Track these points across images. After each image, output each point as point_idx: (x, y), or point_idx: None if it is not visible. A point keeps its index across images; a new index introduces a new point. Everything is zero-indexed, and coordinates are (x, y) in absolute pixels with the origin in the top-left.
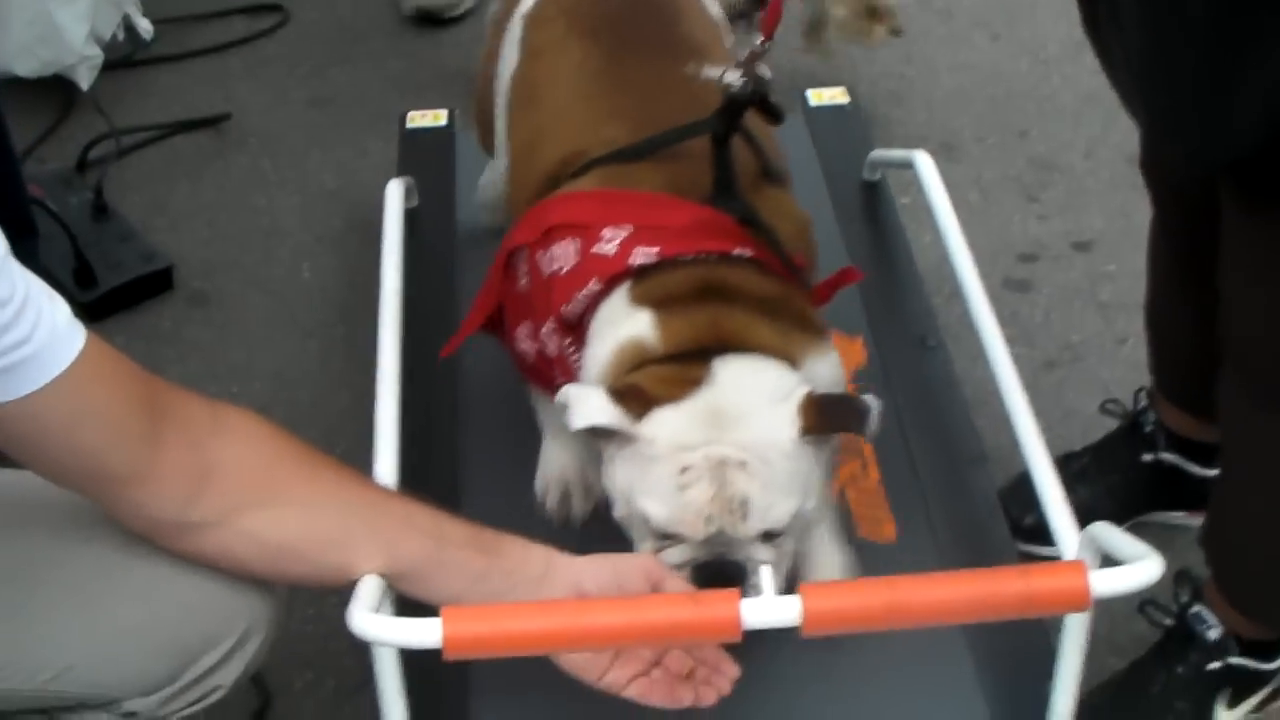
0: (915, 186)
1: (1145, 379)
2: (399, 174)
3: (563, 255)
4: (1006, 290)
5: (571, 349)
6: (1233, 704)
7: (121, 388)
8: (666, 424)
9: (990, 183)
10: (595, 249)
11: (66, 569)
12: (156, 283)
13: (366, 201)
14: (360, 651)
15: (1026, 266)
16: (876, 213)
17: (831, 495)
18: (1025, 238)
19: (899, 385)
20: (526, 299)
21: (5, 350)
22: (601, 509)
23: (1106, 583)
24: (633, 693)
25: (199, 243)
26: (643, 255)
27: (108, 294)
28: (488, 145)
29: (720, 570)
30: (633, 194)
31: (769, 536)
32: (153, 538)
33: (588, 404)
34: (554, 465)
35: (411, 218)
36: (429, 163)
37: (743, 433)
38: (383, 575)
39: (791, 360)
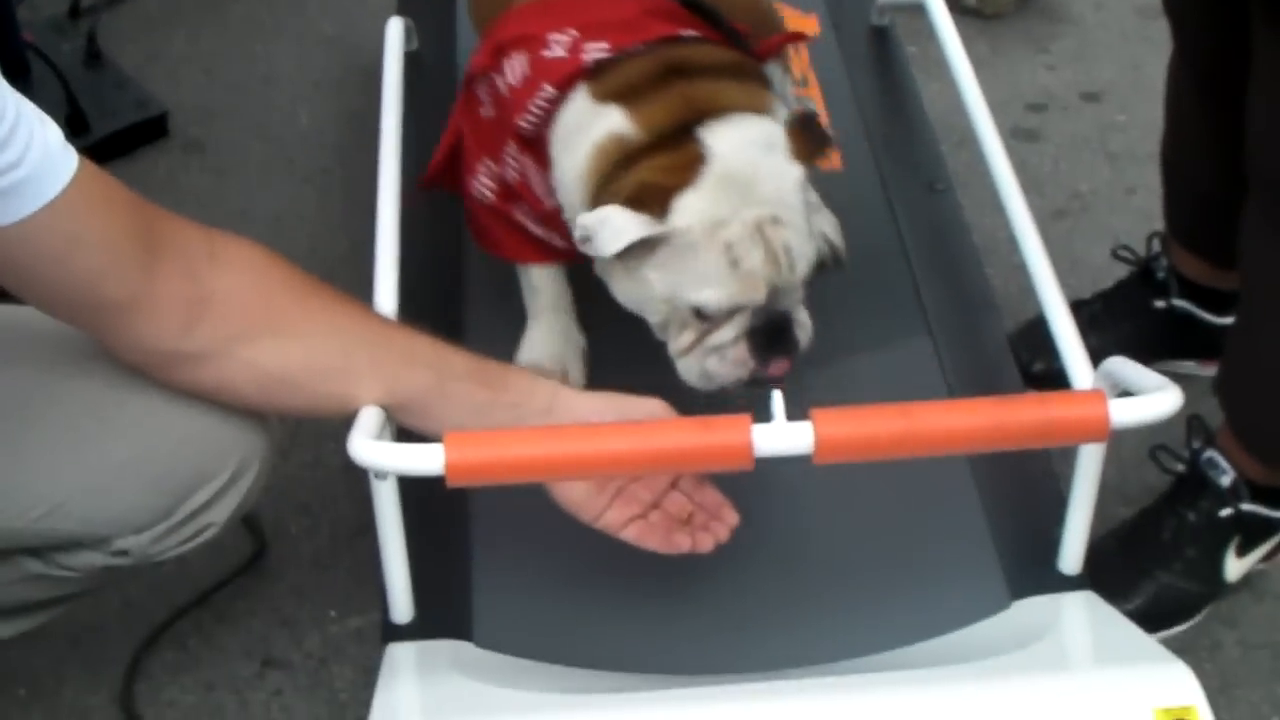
0: (923, 35)
1: (1154, 229)
2: (397, 14)
3: (511, 70)
4: (1015, 140)
5: (535, 167)
6: (1242, 552)
7: (117, 213)
8: (692, 209)
9: (999, 33)
10: (545, 53)
11: (59, 404)
12: (151, 130)
13: (364, 48)
14: (357, 497)
15: (1035, 116)
16: (885, 58)
17: None
18: (1034, 87)
19: (908, 229)
20: (491, 127)
21: None
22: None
23: (1126, 412)
24: (629, 534)
25: (195, 90)
26: (594, 51)
27: (102, 141)
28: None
29: (775, 326)
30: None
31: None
32: (148, 370)
33: (613, 225)
34: (539, 348)
35: (411, 61)
36: (428, 5)
37: (762, 189)
38: (383, 406)
39: (758, 109)
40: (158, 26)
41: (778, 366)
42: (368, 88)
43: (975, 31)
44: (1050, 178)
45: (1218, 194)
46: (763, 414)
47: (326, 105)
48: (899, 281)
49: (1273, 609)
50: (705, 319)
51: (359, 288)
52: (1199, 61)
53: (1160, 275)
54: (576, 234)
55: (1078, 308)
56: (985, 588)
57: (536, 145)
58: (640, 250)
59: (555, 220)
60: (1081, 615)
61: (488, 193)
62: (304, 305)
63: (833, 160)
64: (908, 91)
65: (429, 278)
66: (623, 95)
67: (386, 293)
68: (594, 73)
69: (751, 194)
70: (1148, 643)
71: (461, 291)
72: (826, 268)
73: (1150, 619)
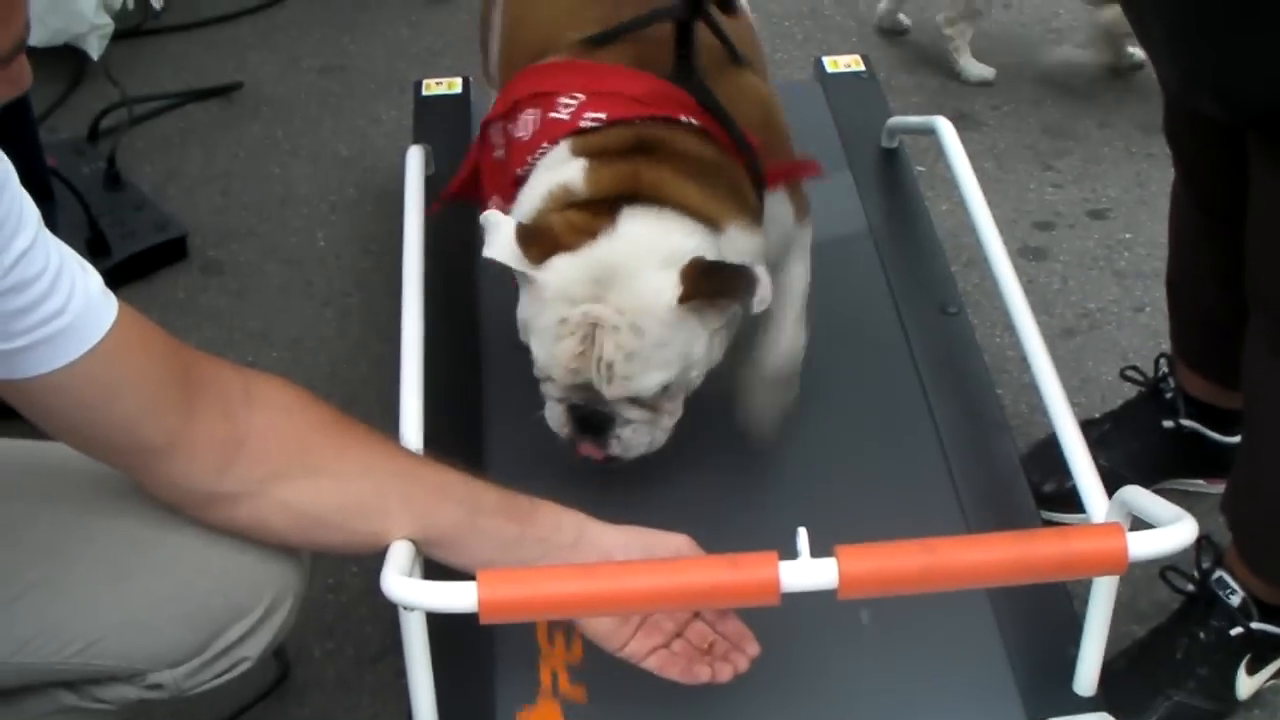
0: (931, 154)
1: (1163, 346)
2: (415, 142)
3: (524, 124)
4: (1023, 258)
5: None
6: (1253, 669)
7: (155, 358)
8: (559, 272)
9: (1005, 151)
10: (552, 114)
11: (96, 542)
12: (170, 251)
13: (380, 169)
14: (381, 620)
15: (1043, 234)
16: (895, 179)
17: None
18: (1041, 206)
19: (920, 351)
20: (501, 169)
21: (42, 321)
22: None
23: (1143, 545)
24: (652, 664)
25: (213, 211)
26: (591, 119)
27: (122, 263)
28: (488, 71)
29: (587, 416)
30: (593, 64)
31: (637, 400)
32: (184, 508)
33: (498, 235)
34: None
35: (428, 185)
36: (445, 130)
37: (625, 295)
38: (415, 541)
39: (711, 222)
40: (174, 146)
41: (586, 449)
42: (383, 209)
43: (983, 150)
44: (1059, 296)
45: (1222, 317)
46: (788, 549)
47: (343, 227)
48: (912, 403)
49: None
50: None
51: (379, 410)
52: (1200, 188)
53: (1168, 395)
54: (481, 221)
55: (1087, 426)
56: (1001, 709)
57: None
58: (523, 276)
59: None
60: None
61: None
62: (337, 444)
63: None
64: (918, 213)
65: (451, 404)
66: (593, 153)
67: (412, 423)
68: (583, 133)
69: (611, 292)
70: None
71: (482, 415)
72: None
73: None
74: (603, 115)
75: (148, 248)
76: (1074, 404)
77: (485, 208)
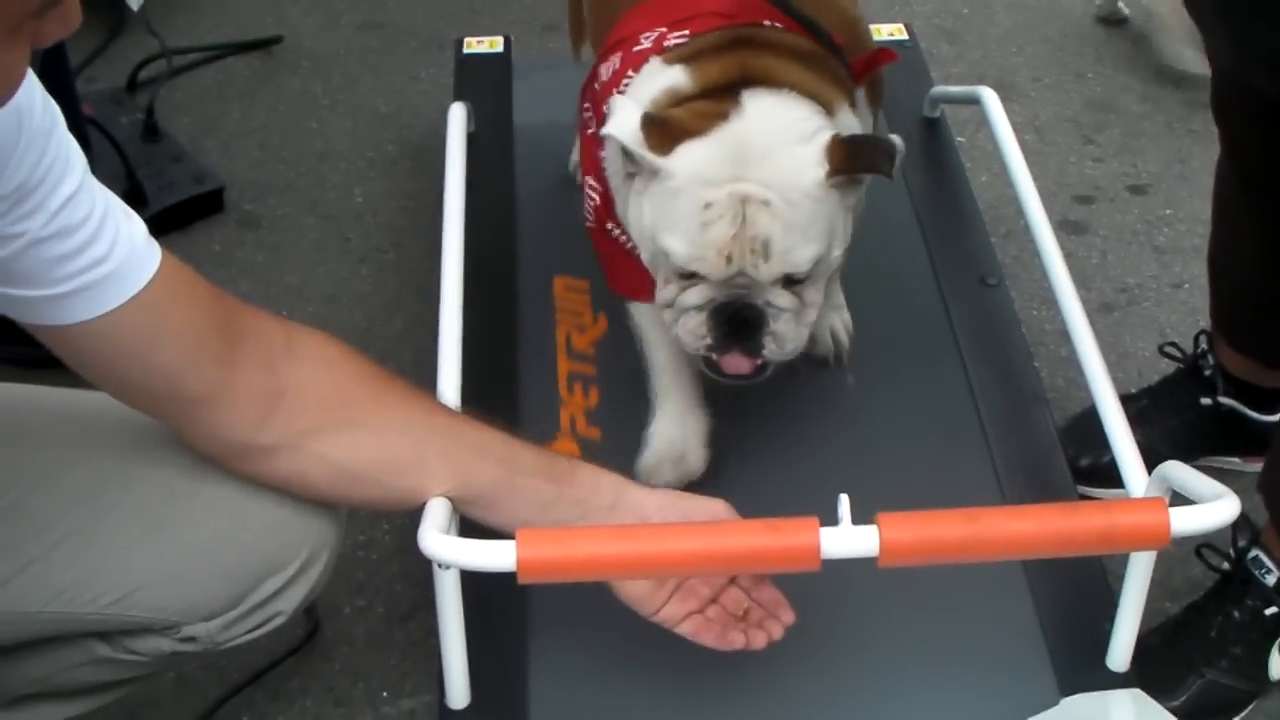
0: (971, 125)
1: (1201, 323)
2: (455, 99)
3: (607, 69)
4: (1062, 232)
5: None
6: None
7: (198, 308)
8: (690, 157)
9: (1046, 123)
10: (635, 49)
11: (133, 491)
12: (207, 204)
13: (418, 126)
14: (411, 578)
15: (1083, 208)
16: (936, 150)
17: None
18: (1081, 179)
19: (960, 323)
20: (592, 144)
21: (87, 267)
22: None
23: (1186, 521)
24: (686, 629)
25: (250, 165)
26: (674, 38)
27: (158, 215)
28: (577, 38)
29: (738, 313)
30: (669, 1)
31: (790, 281)
32: (224, 460)
33: (624, 117)
34: (665, 440)
35: (468, 143)
36: (486, 88)
37: (768, 170)
38: (451, 499)
39: (823, 105)
40: (213, 99)
41: (734, 363)
42: (421, 166)
43: (1024, 122)
44: (1097, 271)
45: (1265, 295)
46: (826, 517)
47: (381, 183)
48: (951, 373)
49: None
50: (680, 276)
51: (413, 367)
52: (1247, 164)
53: (1207, 372)
54: (604, 109)
55: (1125, 402)
56: (1035, 683)
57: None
58: (643, 176)
59: None
60: (1131, 714)
61: (590, 206)
62: (377, 399)
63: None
64: (959, 184)
65: (488, 363)
66: (687, 59)
67: (450, 381)
68: (669, 49)
69: (754, 169)
70: None
71: (518, 374)
72: (829, 364)
73: (1195, 716)
74: (686, 33)
75: (184, 200)
76: (1111, 379)
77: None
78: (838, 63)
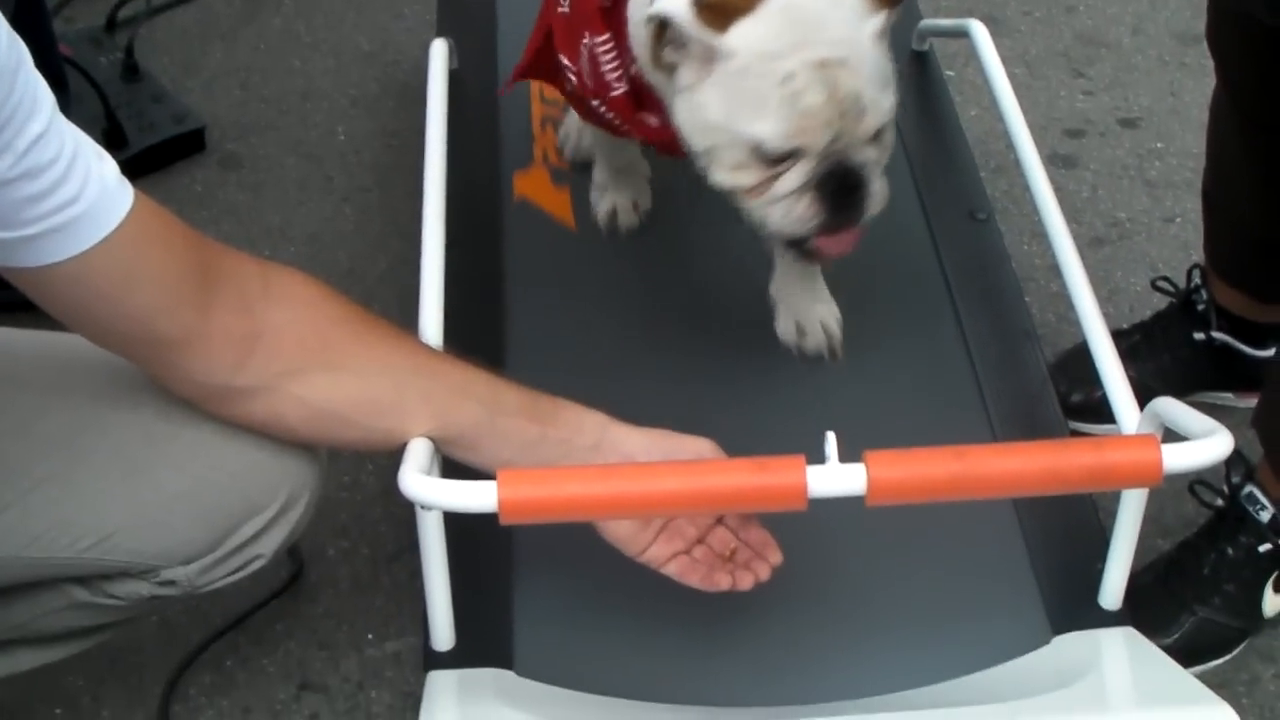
0: (960, 59)
1: (1193, 258)
2: (438, 35)
3: None
4: (1053, 166)
5: (607, 46)
6: None
7: (173, 249)
8: (750, 34)
9: (1036, 57)
10: None
11: (110, 435)
12: (188, 144)
13: (402, 64)
14: (396, 520)
15: (1073, 142)
16: (925, 83)
17: None
18: (1072, 113)
19: (949, 257)
20: (567, 21)
21: (57, 208)
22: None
23: (1178, 457)
24: (672, 570)
25: (232, 104)
26: None
27: (139, 155)
28: None
29: (844, 179)
30: None
31: (876, 137)
32: (199, 403)
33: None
34: (608, 192)
35: (451, 80)
36: (469, 24)
37: (830, 30)
38: (433, 440)
39: None
40: (194, 39)
41: (841, 243)
42: (405, 104)
43: (1013, 55)
44: (1088, 205)
45: (1260, 230)
46: (814, 456)
47: (364, 122)
48: (940, 310)
49: None
50: (768, 163)
51: (398, 307)
52: (1244, 99)
53: (1200, 307)
54: (646, 15)
55: (1116, 338)
56: (1026, 622)
57: (614, 17)
58: (699, 67)
59: (626, 106)
60: (1123, 652)
61: (571, 81)
62: (356, 340)
63: None
64: (948, 118)
65: (472, 301)
66: None
67: (432, 320)
68: None
69: (817, 34)
70: (1190, 683)
71: (503, 312)
72: (823, 359)
73: (1188, 654)
74: None
75: (165, 140)
76: (1102, 314)
77: (559, 73)
78: None
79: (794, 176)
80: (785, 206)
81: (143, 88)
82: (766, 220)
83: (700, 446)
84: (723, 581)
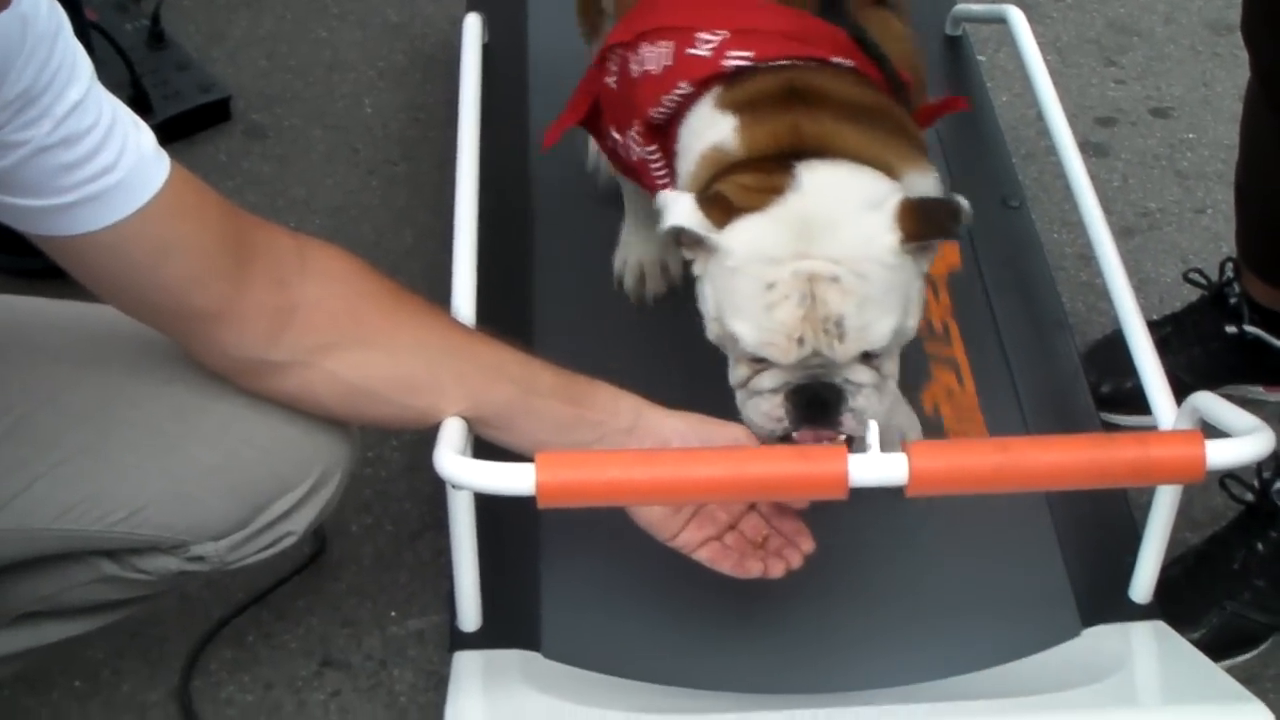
0: (991, 44)
1: (1224, 250)
2: (469, 9)
3: (654, 57)
4: (1083, 154)
5: (655, 155)
6: None
7: (209, 221)
8: (748, 234)
9: (1068, 45)
10: (690, 51)
11: (143, 408)
12: (214, 113)
13: (430, 36)
14: (420, 497)
15: (1104, 130)
16: (958, 68)
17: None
18: (1103, 101)
19: (981, 245)
20: (614, 98)
21: (93, 176)
22: (679, 291)
23: (1221, 454)
24: (703, 555)
25: (258, 74)
26: (736, 58)
27: (164, 124)
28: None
29: (815, 395)
30: None
31: (868, 357)
32: (232, 376)
33: (677, 206)
34: (633, 248)
35: (483, 55)
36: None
37: (834, 244)
38: (466, 419)
39: (886, 169)
40: (220, 7)
41: (818, 436)
42: (432, 77)
43: (1045, 43)
44: (1119, 194)
45: None
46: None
47: (391, 94)
48: (972, 298)
49: None
50: (755, 360)
51: (423, 282)
52: (1278, 90)
53: (1232, 300)
54: (655, 201)
55: (1148, 329)
56: (1057, 614)
57: (664, 133)
58: (703, 256)
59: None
60: (1153, 646)
61: (618, 149)
62: (390, 317)
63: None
64: (981, 103)
65: (502, 278)
66: (742, 107)
67: (465, 298)
68: (729, 78)
69: (819, 245)
70: (1222, 678)
71: (532, 289)
72: None
73: (1216, 648)
74: (749, 54)
75: (191, 109)
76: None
77: (603, 134)
78: (902, 111)
79: (767, 379)
80: (757, 403)
81: (168, 55)
82: (742, 411)
83: (735, 432)
84: (754, 568)
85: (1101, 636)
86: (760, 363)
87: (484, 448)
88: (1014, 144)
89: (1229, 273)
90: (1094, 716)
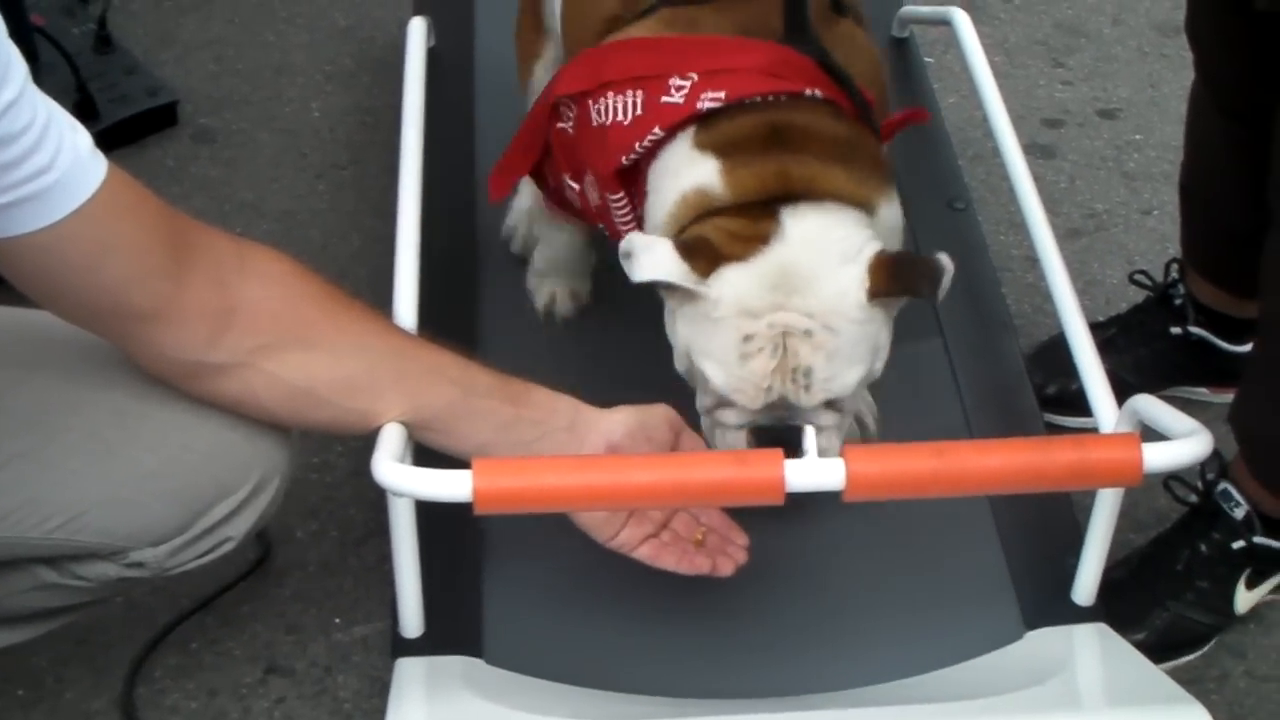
0: (939, 46)
1: (1170, 251)
2: (415, 13)
3: (624, 107)
4: (1030, 155)
5: (621, 201)
6: (1252, 584)
7: (147, 221)
8: (733, 285)
9: (1016, 46)
10: (664, 99)
11: (81, 414)
12: (161, 118)
13: (378, 40)
14: (366, 502)
15: (1051, 132)
16: (906, 71)
17: None
18: (1051, 103)
19: (926, 246)
20: (570, 145)
21: (29, 177)
22: (620, 300)
23: (1159, 457)
24: (644, 553)
25: (206, 78)
26: (710, 100)
27: (110, 128)
28: (527, 55)
29: (779, 436)
30: (699, 39)
31: (831, 403)
32: (172, 380)
33: (654, 255)
34: (546, 279)
35: (429, 58)
36: (446, 2)
37: (811, 298)
38: (407, 424)
39: (866, 206)
40: (167, 11)
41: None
42: (380, 81)
43: (993, 44)
44: (1066, 195)
45: (1238, 225)
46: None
47: (339, 98)
48: (916, 300)
49: None
50: (717, 394)
51: (369, 285)
52: (1222, 90)
53: (1178, 302)
54: (621, 246)
55: (1093, 331)
56: (999, 617)
57: (631, 177)
58: (678, 296)
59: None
60: (1095, 649)
61: (573, 197)
62: (330, 319)
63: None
64: (928, 106)
65: (445, 283)
66: (723, 149)
67: (406, 302)
68: (704, 119)
69: (796, 297)
70: (1163, 681)
71: (477, 294)
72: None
73: (1160, 649)
74: (722, 94)
75: (138, 113)
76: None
77: (552, 181)
78: (873, 139)
79: (732, 415)
80: (723, 434)
81: (115, 60)
82: (707, 436)
83: (664, 412)
84: (702, 564)
85: (1044, 639)
86: (723, 397)
87: (426, 455)
88: (961, 146)
89: (1174, 274)
90: (1038, 718)
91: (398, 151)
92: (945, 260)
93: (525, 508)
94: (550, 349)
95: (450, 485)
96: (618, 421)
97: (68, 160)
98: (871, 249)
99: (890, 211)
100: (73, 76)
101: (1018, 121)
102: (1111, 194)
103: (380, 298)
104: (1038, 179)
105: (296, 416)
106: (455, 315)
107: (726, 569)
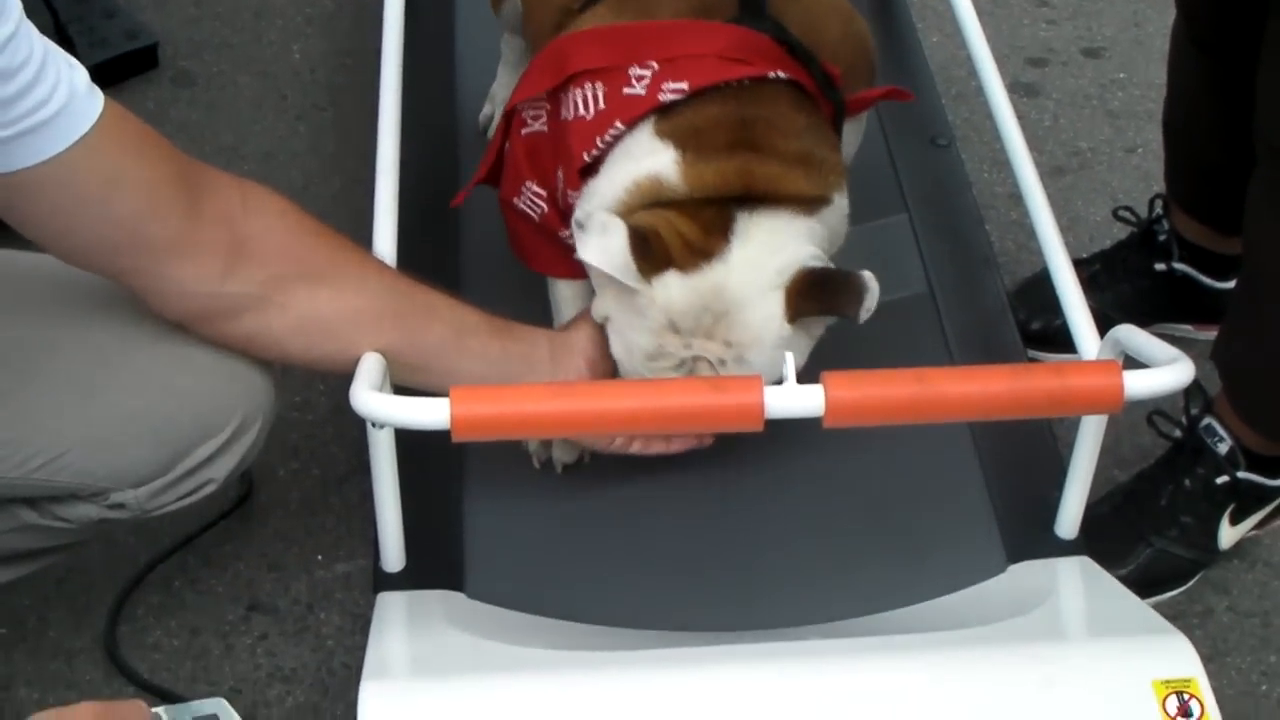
0: None
1: (1154, 188)
2: None
3: (584, 101)
4: (1015, 94)
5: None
6: (1236, 519)
7: (152, 155)
8: (669, 294)
9: None
10: (626, 90)
11: (62, 355)
12: (141, 61)
13: None
14: (348, 440)
15: (1035, 71)
16: (887, 9)
17: None
18: (1035, 41)
19: (909, 184)
20: (541, 145)
21: (29, 111)
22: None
23: (1140, 384)
24: (636, 449)
25: (186, 21)
26: (671, 91)
27: (90, 71)
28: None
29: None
30: (656, 25)
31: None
32: (187, 320)
33: (607, 241)
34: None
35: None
36: None
37: (735, 328)
38: (403, 363)
39: (821, 202)
40: None
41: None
42: (360, 23)
43: None
44: (1050, 134)
45: (1221, 161)
46: None
47: (318, 41)
48: (900, 237)
49: (1263, 576)
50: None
51: (351, 226)
52: (1202, 28)
53: (1161, 238)
54: (574, 218)
55: (1076, 266)
56: (982, 551)
57: (592, 170)
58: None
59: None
60: (1078, 581)
61: (539, 206)
62: (333, 254)
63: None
64: (910, 44)
65: (424, 222)
66: (683, 139)
67: (386, 241)
68: (665, 109)
69: (724, 324)
70: (1146, 612)
71: (457, 234)
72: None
73: (1143, 584)
74: (684, 85)
75: (117, 56)
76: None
77: (508, 201)
78: (830, 130)
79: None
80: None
81: (95, 3)
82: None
83: None
84: (688, 442)
85: (1027, 572)
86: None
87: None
88: (945, 84)
89: (1158, 209)
90: (1018, 649)
91: (378, 93)
92: (870, 279)
93: (502, 434)
94: (530, 290)
95: (428, 412)
96: (586, 336)
97: (65, 93)
98: (799, 266)
99: (840, 203)
100: (51, 19)
101: (1002, 60)
102: (1095, 132)
103: (362, 238)
104: (1022, 117)
105: (307, 350)
106: (434, 254)
107: (707, 440)
